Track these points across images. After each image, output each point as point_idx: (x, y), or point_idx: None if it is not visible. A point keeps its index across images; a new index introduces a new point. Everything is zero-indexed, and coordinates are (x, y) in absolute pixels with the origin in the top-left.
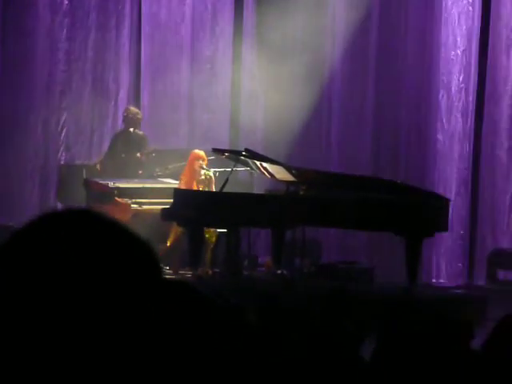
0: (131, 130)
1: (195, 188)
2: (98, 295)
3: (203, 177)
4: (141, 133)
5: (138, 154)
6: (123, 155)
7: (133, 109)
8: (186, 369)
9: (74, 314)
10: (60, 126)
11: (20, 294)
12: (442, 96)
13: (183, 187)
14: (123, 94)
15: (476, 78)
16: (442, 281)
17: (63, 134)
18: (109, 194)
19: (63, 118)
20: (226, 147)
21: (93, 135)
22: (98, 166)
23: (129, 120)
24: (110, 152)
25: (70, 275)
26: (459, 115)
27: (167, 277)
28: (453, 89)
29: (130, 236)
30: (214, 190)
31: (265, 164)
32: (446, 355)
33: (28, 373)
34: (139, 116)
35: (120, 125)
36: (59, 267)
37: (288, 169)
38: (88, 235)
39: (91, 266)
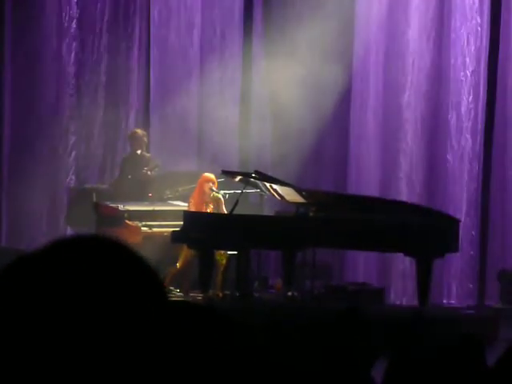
0: (138, 152)
1: (204, 210)
2: (104, 319)
3: (212, 199)
4: (148, 154)
5: (144, 170)
6: (130, 176)
7: (140, 131)
8: None
9: (79, 338)
10: (68, 150)
11: (25, 320)
12: (451, 116)
13: (192, 209)
14: (133, 117)
15: (485, 98)
16: (452, 301)
17: (72, 157)
18: (119, 217)
19: (71, 141)
20: (236, 169)
21: (103, 159)
22: (111, 188)
23: (136, 142)
24: (120, 176)
25: (75, 301)
26: (469, 135)
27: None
28: (462, 109)
29: (135, 260)
30: (223, 211)
31: (275, 186)
32: (458, 375)
33: None
34: (145, 138)
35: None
36: (65, 291)
37: (298, 190)
38: (94, 261)
39: (97, 290)
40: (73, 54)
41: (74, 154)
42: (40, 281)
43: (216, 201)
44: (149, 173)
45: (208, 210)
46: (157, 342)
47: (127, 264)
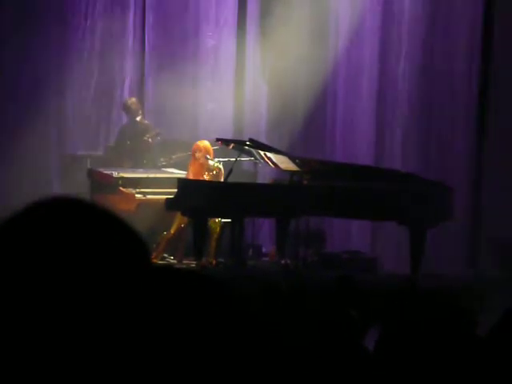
0: (138, 119)
1: (202, 178)
2: (86, 281)
3: (212, 168)
4: (146, 122)
5: (146, 138)
6: (128, 142)
7: (131, 100)
8: (178, 356)
9: (62, 301)
10: (61, 116)
11: (7, 283)
12: (448, 86)
13: (191, 177)
14: (127, 84)
15: (479, 64)
16: (445, 270)
17: (64, 123)
18: (113, 184)
19: (64, 108)
20: (230, 137)
21: (98, 125)
22: (107, 153)
23: (132, 111)
24: (117, 143)
25: (57, 263)
26: (463, 108)
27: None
28: (457, 78)
29: (117, 223)
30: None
31: (269, 154)
32: (450, 343)
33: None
34: (139, 105)
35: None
36: (46, 255)
37: (292, 159)
38: (75, 223)
39: (78, 253)
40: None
41: (66, 120)
42: (18, 243)
43: (216, 170)
44: (150, 140)
45: (207, 178)
46: (140, 305)
47: (107, 225)
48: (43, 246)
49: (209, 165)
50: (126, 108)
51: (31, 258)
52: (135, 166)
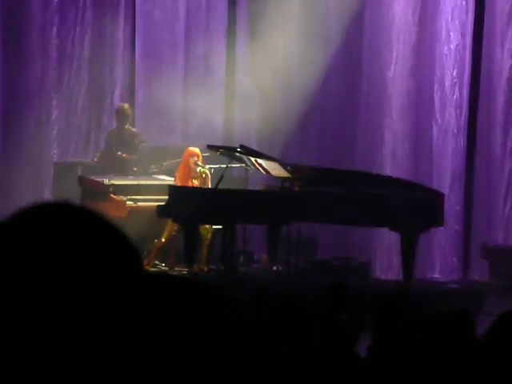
0: (126, 127)
1: (190, 185)
2: (79, 287)
3: (199, 174)
4: (133, 129)
5: (119, 153)
6: (119, 153)
7: (126, 105)
8: (167, 362)
9: (53, 308)
10: (51, 124)
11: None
12: (436, 91)
13: (178, 184)
14: (118, 91)
15: (470, 73)
16: (437, 276)
17: (55, 131)
18: (104, 192)
19: (54, 115)
20: (221, 144)
21: (88, 133)
22: (95, 161)
23: (123, 117)
24: (106, 149)
25: (47, 269)
26: (453, 110)
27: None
28: (446, 84)
29: (109, 228)
30: (209, 186)
31: (260, 160)
32: (445, 347)
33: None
34: (131, 111)
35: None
36: (37, 261)
37: (283, 165)
38: (66, 228)
39: (69, 259)
40: (55, 28)
41: (56, 127)
42: (7, 248)
43: (204, 177)
44: (123, 155)
45: (194, 185)
46: (133, 311)
47: (98, 230)
48: (34, 251)
49: (196, 171)
50: (120, 112)
51: (21, 263)
52: (121, 173)
